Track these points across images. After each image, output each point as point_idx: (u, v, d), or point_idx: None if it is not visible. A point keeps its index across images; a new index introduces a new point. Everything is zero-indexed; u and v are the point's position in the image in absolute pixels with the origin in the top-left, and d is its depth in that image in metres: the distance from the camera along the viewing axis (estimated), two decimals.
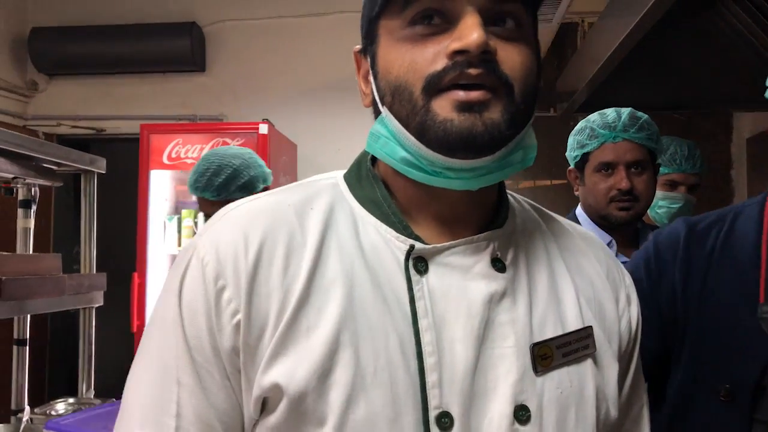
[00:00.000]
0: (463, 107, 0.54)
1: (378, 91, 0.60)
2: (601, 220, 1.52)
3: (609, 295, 0.68)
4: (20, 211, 2.06)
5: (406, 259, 0.58)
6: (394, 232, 0.60)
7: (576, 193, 1.60)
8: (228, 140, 2.97)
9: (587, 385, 0.61)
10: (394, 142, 0.59)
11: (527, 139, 0.60)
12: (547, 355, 0.59)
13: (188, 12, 3.70)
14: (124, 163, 3.23)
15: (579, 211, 1.59)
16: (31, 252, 2.03)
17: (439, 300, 0.58)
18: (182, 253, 0.61)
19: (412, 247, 0.59)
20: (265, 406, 0.56)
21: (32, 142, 1.84)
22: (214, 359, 0.56)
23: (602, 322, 0.66)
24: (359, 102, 0.66)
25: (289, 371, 0.54)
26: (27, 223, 2.07)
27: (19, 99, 3.82)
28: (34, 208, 2.08)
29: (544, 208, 0.73)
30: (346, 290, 0.56)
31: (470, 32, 0.54)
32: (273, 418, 0.55)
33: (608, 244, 1.51)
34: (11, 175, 1.84)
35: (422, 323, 0.56)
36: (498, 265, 0.60)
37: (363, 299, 0.57)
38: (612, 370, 0.64)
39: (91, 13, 3.75)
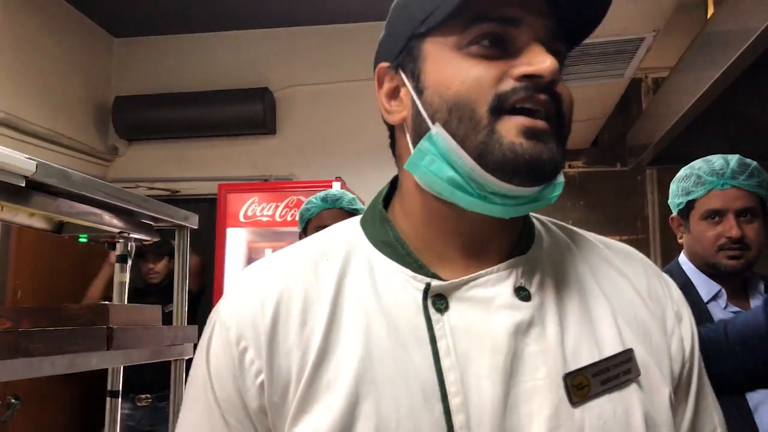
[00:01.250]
0: (529, 134, 0.54)
1: (427, 107, 0.58)
2: (708, 269, 1.49)
3: (653, 313, 0.63)
4: (117, 266, 2.14)
5: (424, 298, 0.57)
6: (410, 272, 0.59)
7: (680, 240, 1.58)
8: (302, 198, 3.06)
9: (634, 413, 0.56)
10: (441, 161, 0.56)
11: (560, 176, 0.60)
12: (584, 384, 0.55)
13: (261, 78, 3.89)
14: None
15: (683, 258, 1.56)
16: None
17: (462, 336, 0.55)
18: (210, 317, 0.64)
19: (428, 285, 0.57)
20: None
21: (137, 198, 1.92)
22: (246, 419, 0.57)
23: (647, 343, 0.61)
24: None
25: (312, 428, 0.53)
26: (123, 277, 2.14)
27: (99, 163, 4.03)
28: (129, 262, 2.16)
29: (575, 228, 0.70)
30: (364, 340, 0.56)
31: (542, 58, 0.54)
32: None
33: (717, 294, 1.48)
34: (117, 230, 1.92)
35: (445, 363, 0.54)
36: (522, 293, 0.58)
37: (380, 347, 0.55)
38: (662, 394, 0.59)
39: (169, 81, 3.98)
